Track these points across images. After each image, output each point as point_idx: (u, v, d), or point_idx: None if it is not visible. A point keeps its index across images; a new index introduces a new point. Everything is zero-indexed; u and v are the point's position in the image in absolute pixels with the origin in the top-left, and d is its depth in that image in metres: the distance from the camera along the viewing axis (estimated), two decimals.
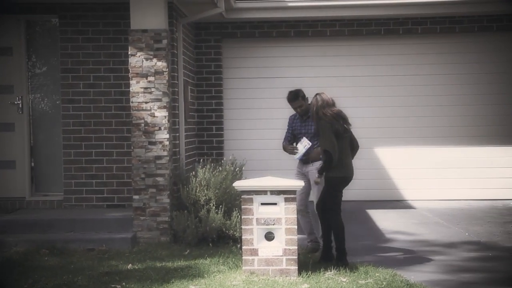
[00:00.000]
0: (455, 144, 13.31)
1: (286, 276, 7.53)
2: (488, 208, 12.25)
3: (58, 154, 10.90)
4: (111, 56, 10.72)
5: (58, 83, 10.90)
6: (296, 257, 7.59)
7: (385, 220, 11.23)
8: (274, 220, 7.60)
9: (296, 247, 7.60)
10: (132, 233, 9.49)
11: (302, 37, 13.27)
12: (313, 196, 8.81)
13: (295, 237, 7.61)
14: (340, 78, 13.32)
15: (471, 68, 13.33)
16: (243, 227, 7.67)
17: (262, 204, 7.63)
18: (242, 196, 7.67)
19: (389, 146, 13.39)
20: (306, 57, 13.39)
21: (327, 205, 8.22)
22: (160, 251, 8.98)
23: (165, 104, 9.58)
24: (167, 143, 9.61)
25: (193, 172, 9.69)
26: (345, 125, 8.17)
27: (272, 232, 7.62)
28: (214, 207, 9.30)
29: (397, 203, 13.02)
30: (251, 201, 7.63)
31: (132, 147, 9.68)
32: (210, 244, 9.20)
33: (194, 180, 9.52)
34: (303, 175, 8.87)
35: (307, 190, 8.79)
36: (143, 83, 9.56)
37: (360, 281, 7.29)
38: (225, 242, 9.23)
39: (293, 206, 7.59)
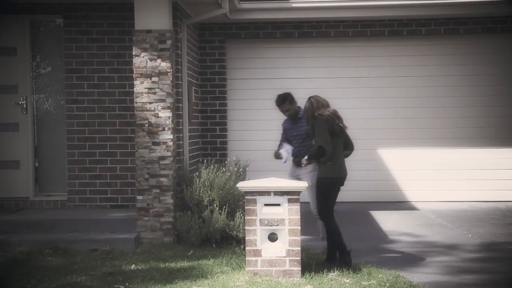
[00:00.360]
0: (459, 145, 13.31)
1: (289, 277, 7.54)
2: (491, 210, 12.24)
3: (62, 154, 10.91)
4: (115, 57, 10.73)
5: (62, 83, 10.91)
6: (300, 258, 7.60)
7: (388, 221, 11.23)
8: (277, 221, 7.61)
9: (299, 248, 7.60)
10: (135, 234, 9.51)
11: (306, 38, 13.28)
12: (309, 199, 8.91)
13: (299, 238, 7.61)
14: (344, 79, 13.34)
15: (474, 69, 13.32)
16: (246, 228, 7.68)
17: (265, 205, 7.63)
18: (246, 197, 7.68)
19: (393, 147, 13.38)
20: (310, 58, 13.40)
21: (320, 207, 8.25)
22: (164, 252, 8.99)
23: (169, 105, 9.59)
24: (171, 143, 9.62)
25: (197, 173, 9.70)
26: (340, 125, 8.20)
27: (275, 233, 7.63)
28: (217, 207, 9.30)
29: (400, 204, 13.02)
30: (254, 202, 7.63)
31: (136, 148, 9.69)
32: (214, 245, 9.20)
33: (197, 181, 9.53)
34: (296, 179, 8.95)
35: None
36: (147, 83, 9.58)
37: (363, 282, 7.30)
38: (229, 243, 9.24)
39: (296, 207, 7.60)
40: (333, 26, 13.18)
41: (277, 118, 12.81)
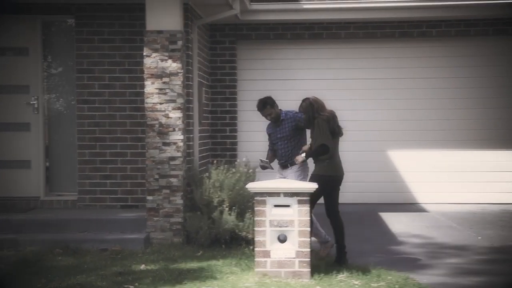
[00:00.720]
0: (469, 147, 13.28)
1: (299, 278, 7.54)
2: (501, 212, 12.21)
3: (73, 154, 10.95)
4: (126, 57, 10.76)
5: (73, 84, 10.95)
6: (309, 259, 7.60)
7: (397, 223, 11.22)
8: (287, 222, 7.61)
9: (309, 250, 7.60)
10: (145, 234, 9.53)
11: (317, 39, 13.29)
12: None
13: (308, 239, 7.62)
14: (354, 81, 13.34)
15: (488, 71, 13.28)
16: (256, 228, 7.69)
17: (275, 206, 7.64)
18: (255, 198, 7.69)
19: (402, 149, 13.37)
20: (320, 59, 13.41)
21: (325, 205, 8.32)
22: (173, 252, 9.00)
23: (179, 105, 9.61)
24: (181, 144, 9.63)
25: (207, 174, 9.71)
26: (340, 125, 8.39)
27: (285, 234, 7.64)
28: (227, 208, 9.31)
29: (409, 206, 13.00)
30: (264, 203, 7.64)
31: (146, 148, 9.71)
32: (223, 246, 9.22)
33: (207, 182, 9.54)
34: None
35: None
36: (158, 84, 9.59)
37: (372, 284, 7.30)
38: (238, 244, 9.25)
39: (306, 208, 7.60)
40: (343, 28, 13.18)
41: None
